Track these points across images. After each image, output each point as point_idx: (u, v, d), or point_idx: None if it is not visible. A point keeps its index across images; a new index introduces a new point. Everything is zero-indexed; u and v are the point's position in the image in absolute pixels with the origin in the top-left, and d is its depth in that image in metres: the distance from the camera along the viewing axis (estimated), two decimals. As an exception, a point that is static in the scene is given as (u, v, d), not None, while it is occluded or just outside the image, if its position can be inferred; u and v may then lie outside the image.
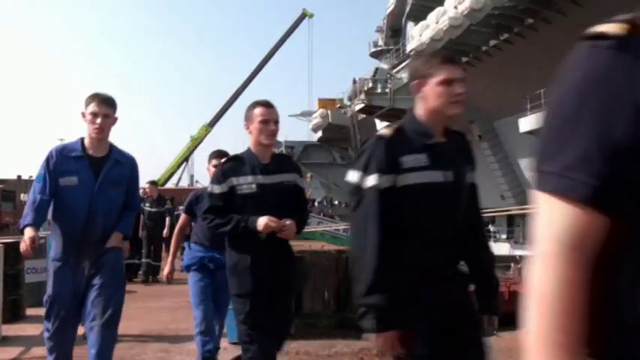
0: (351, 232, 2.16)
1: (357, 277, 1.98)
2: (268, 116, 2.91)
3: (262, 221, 2.78)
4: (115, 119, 3.33)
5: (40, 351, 4.74)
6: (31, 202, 3.25)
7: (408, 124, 2.10)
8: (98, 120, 3.23)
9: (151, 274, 10.08)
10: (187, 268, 4.09)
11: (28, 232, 3.16)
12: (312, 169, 45.44)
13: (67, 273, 3.28)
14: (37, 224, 3.22)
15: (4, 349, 4.85)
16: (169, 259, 4.30)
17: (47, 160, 3.27)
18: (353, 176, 2.07)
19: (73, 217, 3.27)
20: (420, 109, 2.09)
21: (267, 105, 2.95)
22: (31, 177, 41.66)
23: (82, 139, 3.36)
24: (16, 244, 6.46)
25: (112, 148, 3.41)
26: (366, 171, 2.01)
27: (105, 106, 3.27)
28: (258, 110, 2.93)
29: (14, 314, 6.01)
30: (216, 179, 2.95)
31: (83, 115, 3.28)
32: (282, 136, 54.72)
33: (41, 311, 6.68)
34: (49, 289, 3.31)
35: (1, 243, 5.72)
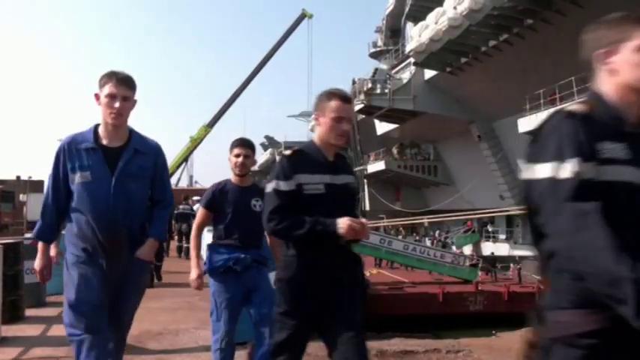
0: (565, 250, 1.44)
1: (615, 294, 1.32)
2: (344, 113, 2.52)
3: (345, 223, 2.36)
4: (135, 102, 2.84)
5: (40, 351, 4.75)
6: (42, 207, 2.93)
7: (597, 104, 1.58)
8: (116, 103, 2.75)
9: (155, 276, 9.67)
10: (213, 272, 3.56)
11: (39, 253, 2.89)
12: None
13: (94, 274, 2.81)
14: (44, 236, 2.92)
15: (3, 350, 4.84)
16: (193, 262, 3.65)
17: (57, 157, 2.86)
18: (541, 170, 1.49)
19: (90, 218, 2.80)
20: (609, 87, 1.59)
21: (344, 99, 2.54)
22: (30, 177, 41.72)
23: (96, 127, 2.87)
24: (16, 244, 6.48)
25: (132, 135, 2.91)
26: (561, 157, 1.46)
27: (124, 87, 2.78)
28: (333, 103, 2.51)
29: (13, 315, 6.00)
30: (283, 174, 2.47)
31: (97, 97, 2.81)
32: (281, 137, 54.88)
33: (41, 312, 6.75)
34: (70, 294, 2.81)
35: (1, 243, 5.71)
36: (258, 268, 3.53)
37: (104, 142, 2.84)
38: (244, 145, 3.65)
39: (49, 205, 2.90)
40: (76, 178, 2.80)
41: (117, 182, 2.80)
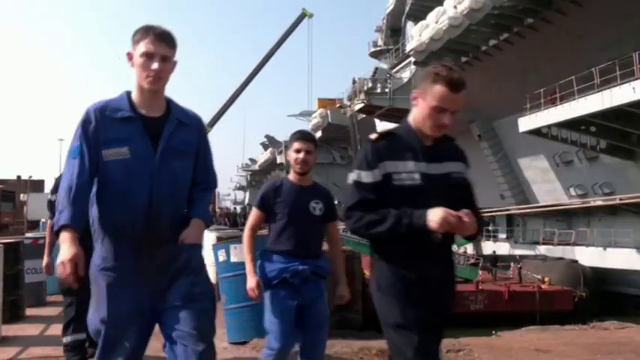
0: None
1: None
2: (448, 104, 2.10)
3: (438, 214, 1.96)
4: (175, 64, 2.35)
5: (40, 351, 4.74)
6: (66, 189, 2.19)
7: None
8: (154, 64, 2.20)
9: None
10: (268, 284, 3.07)
11: (67, 242, 2.11)
12: (312, 169, 45.39)
13: (125, 286, 2.21)
14: (77, 223, 2.16)
15: (3, 350, 4.85)
16: (249, 267, 3.10)
17: (83, 125, 2.24)
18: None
19: (127, 206, 2.22)
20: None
21: (454, 86, 2.11)
22: (30, 177, 41.80)
23: (129, 94, 2.32)
24: (16, 244, 6.48)
25: (171, 104, 2.38)
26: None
27: (164, 45, 2.26)
28: (438, 89, 2.09)
29: (14, 314, 6.01)
30: (366, 162, 2.11)
31: (130, 57, 2.28)
32: (282, 136, 54.82)
33: (41, 311, 6.75)
34: (101, 312, 2.23)
35: (1, 243, 5.71)
36: (316, 282, 3.10)
37: (142, 110, 2.29)
38: (306, 138, 3.18)
39: (82, 185, 2.19)
40: (109, 155, 2.22)
41: (161, 160, 2.25)
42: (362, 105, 28.90)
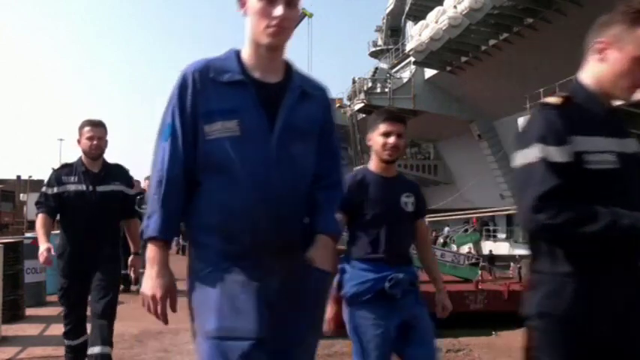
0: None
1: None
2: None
3: None
4: (302, 16, 1.84)
5: (40, 351, 4.75)
6: (156, 185, 1.66)
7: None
8: (278, 9, 1.64)
9: None
10: (354, 300, 2.48)
11: (156, 266, 1.62)
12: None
13: (249, 292, 1.61)
14: (170, 233, 1.66)
15: (3, 349, 4.85)
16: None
17: (180, 91, 1.67)
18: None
19: (235, 201, 1.63)
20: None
21: None
22: (30, 177, 41.78)
23: (237, 53, 1.74)
24: (16, 244, 6.49)
25: (290, 68, 1.78)
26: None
27: None
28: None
29: (14, 314, 6.01)
30: (554, 134, 1.49)
31: (242, 2, 1.73)
32: (281, 136, 54.67)
33: (41, 311, 6.74)
34: (212, 323, 1.59)
35: (1, 243, 5.71)
36: (415, 293, 2.56)
37: (255, 74, 1.71)
38: (396, 119, 2.56)
39: (176, 177, 1.65)
40: (212, 131, 1.64)
41: (280, 141, 1.66)
42: (362, 105, 28.92)
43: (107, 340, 3.46)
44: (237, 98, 1.66)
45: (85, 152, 3.68)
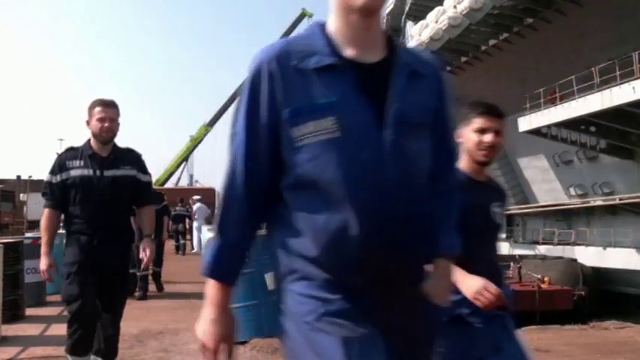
0: None
1: None
2: None
3: None
4: None
5: (40, 351, 4.75)
6: (223, 206, 1.35)
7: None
8: None
9: (156, 286, 8.57)
10: None
11: (213, 313, 1.32)
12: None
13: (371, 340, 1.27)
14: (232, 274, 1.37)
15: (3, 349, 4.85)
16: None
17: (252, 87, 1.31)
18: None
19: (336, 228, 1.25)
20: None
21: None
22: (30, 177, 41.72)
23: (322, 27, 1.35)
24: (16, 244, 6.48)
25: (392, 42, 1.39)
26: None
27: None
28: None
29: (14, 314, 6.01)
30: None
31: None
32: (281, 136, 54.72)
33: (41, 311, 6.74)
34: None
35: (1, 243, 5.71)
36: (502, 319, 2.10)
37: (351, 53, 1.31)
38: (495, 113, 2.18)
39: (237, 198, 1.32)
40: (301, 135, 1.27)
41: (394, 138, 1.27)
42: (362, 105, 28.94)
43: (113, 354, 3.33)
44: (332, 88, 1.26)
45: (94, 135, 3.29)
